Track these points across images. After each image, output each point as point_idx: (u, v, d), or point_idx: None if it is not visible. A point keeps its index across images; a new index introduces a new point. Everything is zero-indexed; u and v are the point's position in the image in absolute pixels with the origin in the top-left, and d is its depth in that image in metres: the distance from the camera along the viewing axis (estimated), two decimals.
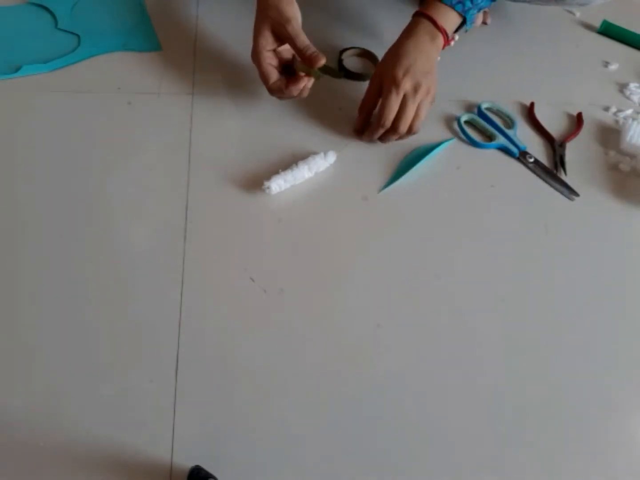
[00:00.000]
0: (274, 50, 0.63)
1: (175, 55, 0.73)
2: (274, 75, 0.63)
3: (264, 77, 0.63)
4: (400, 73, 0.62)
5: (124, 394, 0.50)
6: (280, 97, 0.66)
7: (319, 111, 0.70)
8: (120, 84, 0.70)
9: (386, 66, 0.63)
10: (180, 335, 0.53)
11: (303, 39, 0.61)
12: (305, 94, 0.65)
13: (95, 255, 0.57)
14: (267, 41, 0.62)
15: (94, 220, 0.59)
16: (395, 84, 0.62)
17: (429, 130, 0.70)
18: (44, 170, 0.62)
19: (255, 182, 0.63)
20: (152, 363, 0.51)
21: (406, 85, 0.62)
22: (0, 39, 0.72)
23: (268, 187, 0.61)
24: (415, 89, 0.62)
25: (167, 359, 0.52)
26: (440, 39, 0.64)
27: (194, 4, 0.80)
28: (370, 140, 0.67)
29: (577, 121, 0.74)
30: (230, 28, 0.77)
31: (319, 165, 0.64)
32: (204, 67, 0.73)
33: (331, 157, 0.65)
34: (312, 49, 0.61)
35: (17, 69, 0.69)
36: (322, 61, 0.60)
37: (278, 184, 0.62)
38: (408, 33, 0.64)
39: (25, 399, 0.49)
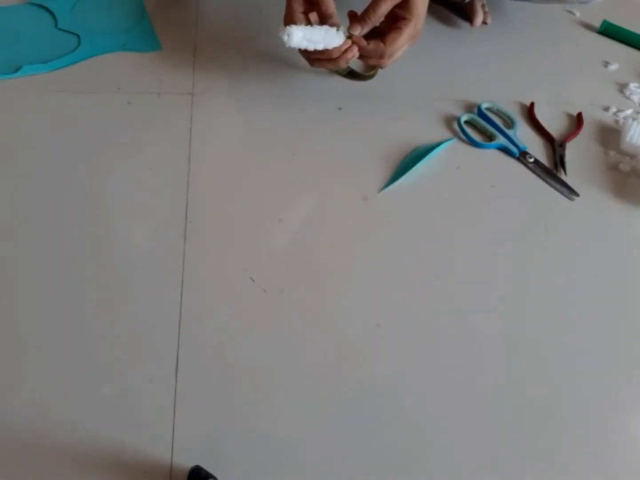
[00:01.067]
0: (306, 15, 0.63)
1: (175, 55, 0.73)
2: None
3: None
4: (422, 20, 0.62)
5: (124, 394, 0.50)
6: (313, 63, 0.65)
7: (319, 111, 0.70)
8: (120, 84, 0.70)
9: (422, 7, 0.62)
10: (180, 335, 0.53)
11: (327, 4, 0.61)
12: (343, 64, 0.64)
13: (95, 255, 0.57)
14: (298, 3, 0.62)
15: (93, 220, 0.59)
16: (418, 30, 0.62)
17: (429, 131, 0.70)
18: (44, 170, 0.62)
19: (255, 182, 0.63)
20: (152, 363, 0.51)
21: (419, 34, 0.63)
22: (0, 39, 0.72)
23: (288, 35, 0.59)
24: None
25: (167, 359, 0.52)
26: None
27: (194, 4, 0.80)
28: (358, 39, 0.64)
29: (577, 121, 0.74)
30: (230, 28, 0.77)
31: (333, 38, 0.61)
32: (204, 67, 0.73)
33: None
34: (334, 19, 0.60)
35: (17, 69, 0.69)
36: None
37: (300, 36, 0.59)
38: None
39: (25, 399, 0.49)
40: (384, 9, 0.62)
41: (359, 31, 0.62)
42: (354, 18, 0.63)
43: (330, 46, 0.61)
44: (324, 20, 0.62)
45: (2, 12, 0.75)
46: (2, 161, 0.62)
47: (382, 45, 0.62)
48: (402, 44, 0.63)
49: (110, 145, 0.64)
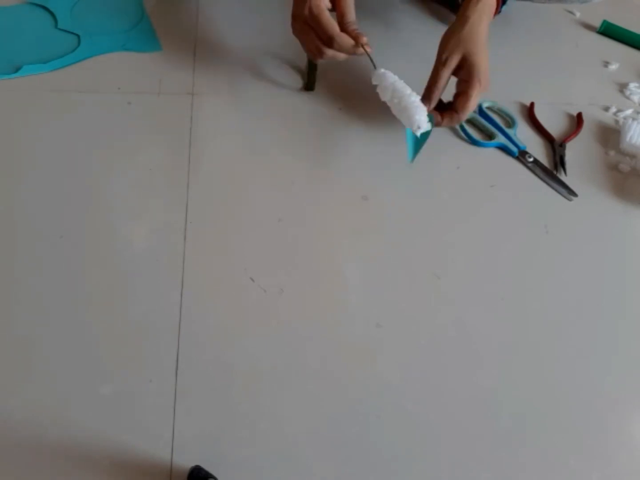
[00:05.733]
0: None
1: (175, 55, 0.73)
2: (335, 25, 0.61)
3: (328, 27, 0.60)
4: (486, 73, 0.64)
5: (124, 394, 0.50)
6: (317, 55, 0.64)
7: (319, 111, 0.70)
8: (120, 84, 0.70)
9: (481, 62, 0.64)
10: (180, 335, 0.53)
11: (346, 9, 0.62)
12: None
13: (95, 255, 0.57)
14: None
15: (93, 220, 0.59)
16: (485, 86, 0.64)
17: None
18: (44, 170, 0.62)
19: (255, 182, 0.63)
20: (152, 363, 0.51)
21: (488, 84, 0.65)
22: (0, 39, 0.72)
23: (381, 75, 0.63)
24: None
25: (167, 359, 0.52)
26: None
27: (194, 4, 0.80)
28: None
29: (577, 121, 0.74)
30: (230, 28, 0.78)
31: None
32: (204, 67, 0.73)
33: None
34: (353, 26, 0.62)
35: (17, 69, 0.69)
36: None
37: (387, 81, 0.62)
38: (481, 16, 0.65)
39: (25, 399, 0.49)
40: (444, 78, 0.65)
41: (428, 107, 0.64)
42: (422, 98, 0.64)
43: (412, 114, 0.61)
44: (341, 26, 0.61)
45: (2, 12, 0.75)
46: (1, 161, 0.62)
47: (455, 115, 0.66)
48: (473, 105, 0.65)
49: (110, 145, 0.64)
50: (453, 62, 0.64)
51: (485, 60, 0.64)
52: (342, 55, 0.63)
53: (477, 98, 0.65)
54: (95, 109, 0.67)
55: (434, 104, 0.66)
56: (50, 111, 0.67)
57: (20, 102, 0.67)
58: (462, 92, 0.65)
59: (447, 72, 0.64)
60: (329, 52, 0.62)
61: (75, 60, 0.71)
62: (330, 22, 0.61)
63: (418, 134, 0.62)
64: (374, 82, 0.64)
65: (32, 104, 0.67)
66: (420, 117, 0.61)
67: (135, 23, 0.76)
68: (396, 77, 0.63)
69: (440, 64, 0.65)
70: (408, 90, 0.62)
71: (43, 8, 0.76)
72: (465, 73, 0.64)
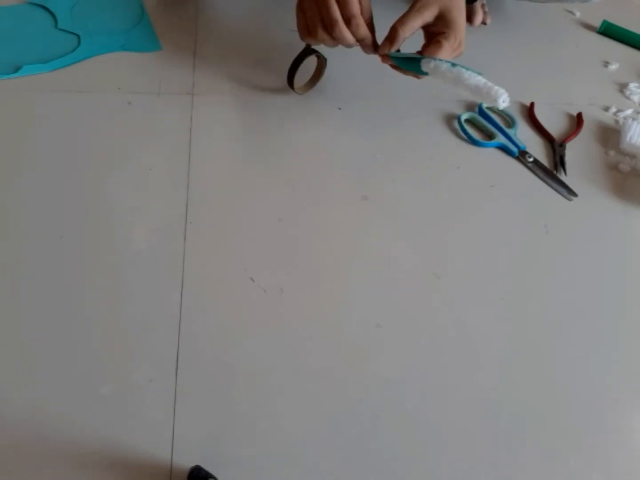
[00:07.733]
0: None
1: (175, 55, 0.74)
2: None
3: (353, 4, 0.59)
4: (463, 30, 0.62)
5: (124, 394, 0.50)
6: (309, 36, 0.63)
7: (319, 111, 0.70)
8: (120, 84, 0.70)
9: (459, 19, 0.61)
10: (180, 335, 0.53)
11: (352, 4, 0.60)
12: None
13: (95, 255, 0.57)
14: None
15: (93, 221, 0.59)
16: (460, 42, 0.62)
17: (429, 129, 0.70)
18: (44, 170, 0.62)
19: (255, 182, 0.63)
20: (152, 363, 0.51)
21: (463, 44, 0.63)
22: (0, 39, 0.72)
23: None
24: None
25: (167, 359, 0.52)
26: None
27: (194, 4, 0.80)
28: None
29: (577, 121, 0.74)
30: (230, 28, 0.78)
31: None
32: (204, 67, 0.73)
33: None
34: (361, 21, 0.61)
35: (17, 69, 0.69)
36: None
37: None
38: None
39: (25, 399, 0.49)
40: (413, 26, 0.61)
41: (387, 49, 0.62)
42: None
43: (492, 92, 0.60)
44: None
45: (2, 12, 0.75)
46: (1, 161, 0.62)
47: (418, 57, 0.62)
48: (444, 56, 0.61)
49: (110, 145, 0.64)
50: (427, 14, 0.61)
51: (462, 18, 0.61)
52: (351, 40, 0.61)
53: (449, 52, 0.62)
54: (95, 109, 0.67)
55: (396, 46, 0.62)
56: (50, 111, 0.67)
57: (20, 102, 0.67)
58: (435, 41, 0.61)
59: (418, 21, 0.61)
60: (344, 33, 0.60)
61: (75, 60, 0.71)
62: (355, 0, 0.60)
63: (503, 106, 0.61)
64: (425, 69, 0.61)
65: (32, 104, 0.67)
66: (499, 90, 0.60)
67: (135, 23, 0.76)
68: (443, 63, 0.60)
69: (414, 10, 0.61)
70: (466, 74, 0.60)
71: (43, 8, 0.76)
72: (441, 26, 0.61)
